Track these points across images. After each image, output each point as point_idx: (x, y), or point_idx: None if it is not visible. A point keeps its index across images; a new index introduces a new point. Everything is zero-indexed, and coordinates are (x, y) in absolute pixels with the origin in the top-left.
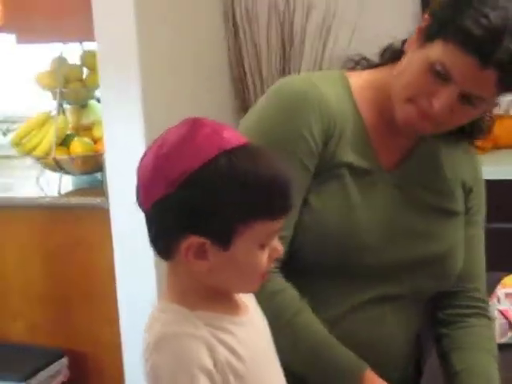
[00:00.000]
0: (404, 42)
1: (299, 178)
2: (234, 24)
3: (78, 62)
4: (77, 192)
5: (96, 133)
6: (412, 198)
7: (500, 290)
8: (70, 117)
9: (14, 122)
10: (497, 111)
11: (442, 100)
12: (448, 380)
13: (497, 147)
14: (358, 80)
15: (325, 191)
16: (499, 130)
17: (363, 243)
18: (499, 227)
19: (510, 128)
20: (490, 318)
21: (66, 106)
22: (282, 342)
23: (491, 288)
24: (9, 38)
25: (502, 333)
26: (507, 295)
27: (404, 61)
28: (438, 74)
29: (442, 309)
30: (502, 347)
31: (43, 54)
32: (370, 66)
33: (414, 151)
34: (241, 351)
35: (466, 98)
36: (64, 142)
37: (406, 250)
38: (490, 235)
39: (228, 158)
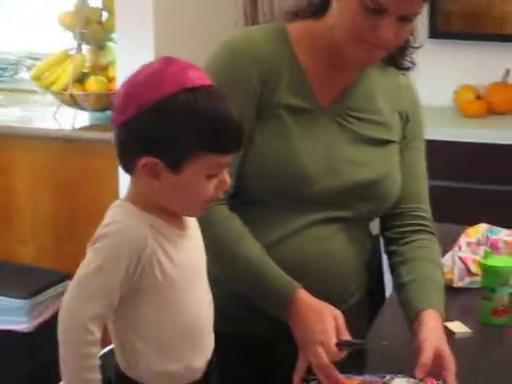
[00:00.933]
0: None
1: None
2: None
3: (99, 5)
4: (90, 127)
5: (111, 73)
6: (349, 130)
7: (463, 239)
8: (89, 56)
9: (37, 59)
10: (494, 79)
11: (385, 30)
12: (398, 291)
13: (493, 113)
14: (296, 29)
15: (265, 129)
16: (495, 96)
17: (302, 173)
18: (493, 189)
19: (504, 95)
20: (433, 234)
21: (86, 47)
22: (223, 266)
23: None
24: None
25: (460, 277)
26: (468, 244)
27: (335, 9)
28: (373, 10)
29: (390, 229)
30: (459, 291)
31: None
32: (306, 17)
33: (351, 88)
34: (174, 256)
35: (403, 19)
36: (81, 79)
37: (344, 178)
38: (486, 195)
39: (187, 94)
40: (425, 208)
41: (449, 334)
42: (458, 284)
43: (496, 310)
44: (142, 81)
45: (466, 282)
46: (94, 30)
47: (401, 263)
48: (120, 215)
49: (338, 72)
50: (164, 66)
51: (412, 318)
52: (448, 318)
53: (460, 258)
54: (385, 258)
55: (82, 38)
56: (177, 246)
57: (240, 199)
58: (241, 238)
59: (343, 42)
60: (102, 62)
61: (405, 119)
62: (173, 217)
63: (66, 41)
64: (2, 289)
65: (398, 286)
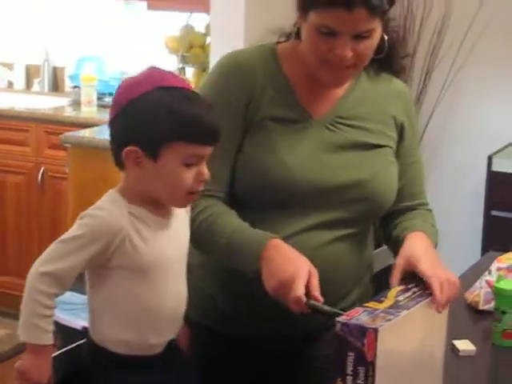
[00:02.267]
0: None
1: (230, 131)
2: None
3: (202, 30)
4: None
5: None
6: (337, 136)
7: (495, 264)
8: (192, 78)
9: None
10: None
11: (341, 49)
12: (389, 243)
13: None
14: (285, 48)
15: (253, 140)
16: None
17: (289, 178)
18: None
19: None
20: (430, 210)
21: (190, 69)
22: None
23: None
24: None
25: (485, 301)
26: (498, 269)
27: (302, 36)
28: (326, 34)
29: (390, 224)
30: (484, 313)
31: (171, 21)
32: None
33: (342, 100)
34: (150, 242)
35: (358, 37)
36: None
37: (329, 180)
38: None
39: (160, 92)
40: (425, 202)
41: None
42: (483, 307)
43: (506, 333)
44: (124, 85)
45: (491, 305)
46: (196, 54)
47: (395, 226)
48: (106, 202)
49: (326, 87)
50: (145, 72)
51: (398, 247)
52: (466, 337)
53: (487, 282)
54: None
55: (185, 61)
56: (154, 232)
57: (235, 207)
58: (225, 212)
59: (311, 65)
60: None
61: (399, 125)
62: (158, 206)
63: (170, 63)
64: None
65: (389, 238)
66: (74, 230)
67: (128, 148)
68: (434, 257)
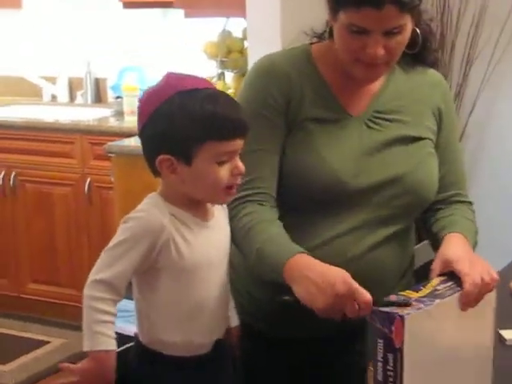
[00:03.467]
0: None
1: (271, 133)
2: None
3: (240, 34)
4: None
5: None
6: (376, 132)
7: None
8: (232, 83)
9: None
10: None
11: (373, 47)
12: (430, 241)
13: None
14: (319, 49)
15: (294, 142)
16: None
17: (332, 178)
18: None
19: None
20: (470, 203)
21: (230, 74)
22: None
23: None
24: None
25: None
26: None
27: (334, 35)
28: (357, 32)
29: (431, 218)
30: None
31: (208, 27)
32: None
33: (378, 95)
34: (192, 241)
35: (389, 33)
36: None
37: (372, 177)
38: None
39: (181, 96)
40: (463, 192)
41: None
42: None
43: None
44: (146, 94)
45: None
46: (235, 59)
47: (435, 221)
48: (147, 204)
49: (361, 83)
50: (163, 78)
51: (436, 246)
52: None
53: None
54: None
55: (224, 66)
56: (195, 234)
57: (281, 209)
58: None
59: (344, 62)
60: None
61: (438, 115)
62: (198, 208)
63: (210, 69)
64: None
65: (429, 232)
66: (118, 236)
67: (161, 157)
68: (471, 257)
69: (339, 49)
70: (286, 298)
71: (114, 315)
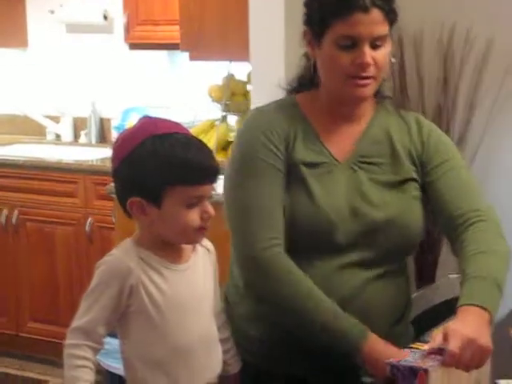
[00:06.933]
0: (307, 67)
1: (275, 179)
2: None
3: (244, 78)
4: None
5: None
6: (363, 176)
7: None
8: (236, 125)
9: (187, 128)
10: None
11: (362, 57)
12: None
13: None
14: (303, 97)
15: (290, 188)
16: None
17: (329, 223)
18: None
19: None
20: (487, 220)
21: (234, 117)
22: (293, 319)
23: None
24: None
25: None
26: None
27: (320, 65)
28: (346, 47)
29: (457, 240)
30: None
31: (213, 70)
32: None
33: (361, 139)
34: (163, 286)
35: (375, 45)
36: (225, 147)
37: (364, 219)
38: None
39: (153, 141)
40: (483, 214)
41: None
42: None
43: None
44: (121, 138)
45: None
46: (239, 102)
47: (459, 263)
48: (117, 248)
49: (346, 124)
50: (138, 122)
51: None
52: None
53: None
54: None
55: (228, 109)
56: (166, 277)
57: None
58: (310, 294)
59: (334, 85)
60: None
61: (419, 154)
62: (172, 251)
63: (214, 111)
64: None
65: (456, 254)
66: (92, 281)
67: (131, 199)
68: (470, 338)
69: (329, 71)
70: (366, 380)
71: (90, 360)
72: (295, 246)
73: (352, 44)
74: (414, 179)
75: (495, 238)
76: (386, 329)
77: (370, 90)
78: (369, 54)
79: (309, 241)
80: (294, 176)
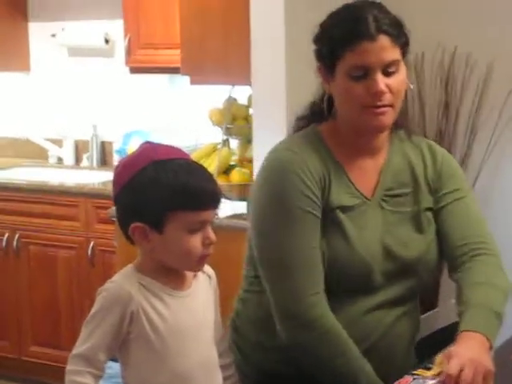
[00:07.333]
0: (322, 98)
1: (313, 226)
2: None
3: (245, 101)
4: (233, 216)
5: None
6: (389, 211)
7: None
8: (237, 150)
9: (189, 152)
10: None
11: (375, 86)
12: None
13: None
14: (326, 128)
15: (326, 232)
16: None
17: (365, 265)
18: None
19: None
20: (489, 254)
21: (236, 140)
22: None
23: None
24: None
25: None
26: None
27: (335, 97)
28: (359, 77)
29: (454, 263)
30: None
31: (214, 94)
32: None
33: (383, 172)
34: (164, 313)
35: (387, 71)
36: (227, 171)
37: (397, 259)
38: None
39: (154, 167)
40: (487, 247)
41: None
42: None
43: None
44: (121, 164)
45: None
46: (240, 126)
47: (459, 291)
48: (118, 275)
49: (367, 156)
50: (138, 148)
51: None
52: None
53: None
54: None
55: (229, 133)
56: (167, 304)
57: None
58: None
59: (352, 118)
60: (248, 155)
61: (434, 182)
62: (174, 277)
63: (215, 135)
64: None
65: (457, 300)
66: (93, 308)
67: (133, 225)
68: (471, 363)
69: (345, 103)
70: None
71: None
72: (331, 288)
73: (364, 74)
74: (431, 208)
75: (496, 271)
76: (404, 360)
77: (388, 118)
78: (382, 81)
79: (347, 283)
80: (330, 220)
